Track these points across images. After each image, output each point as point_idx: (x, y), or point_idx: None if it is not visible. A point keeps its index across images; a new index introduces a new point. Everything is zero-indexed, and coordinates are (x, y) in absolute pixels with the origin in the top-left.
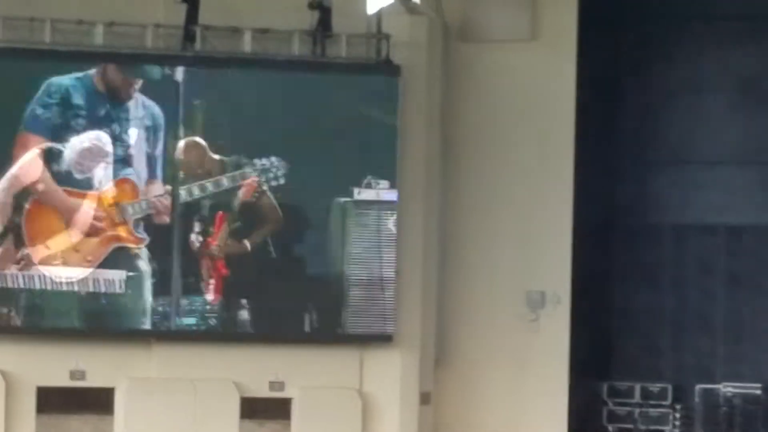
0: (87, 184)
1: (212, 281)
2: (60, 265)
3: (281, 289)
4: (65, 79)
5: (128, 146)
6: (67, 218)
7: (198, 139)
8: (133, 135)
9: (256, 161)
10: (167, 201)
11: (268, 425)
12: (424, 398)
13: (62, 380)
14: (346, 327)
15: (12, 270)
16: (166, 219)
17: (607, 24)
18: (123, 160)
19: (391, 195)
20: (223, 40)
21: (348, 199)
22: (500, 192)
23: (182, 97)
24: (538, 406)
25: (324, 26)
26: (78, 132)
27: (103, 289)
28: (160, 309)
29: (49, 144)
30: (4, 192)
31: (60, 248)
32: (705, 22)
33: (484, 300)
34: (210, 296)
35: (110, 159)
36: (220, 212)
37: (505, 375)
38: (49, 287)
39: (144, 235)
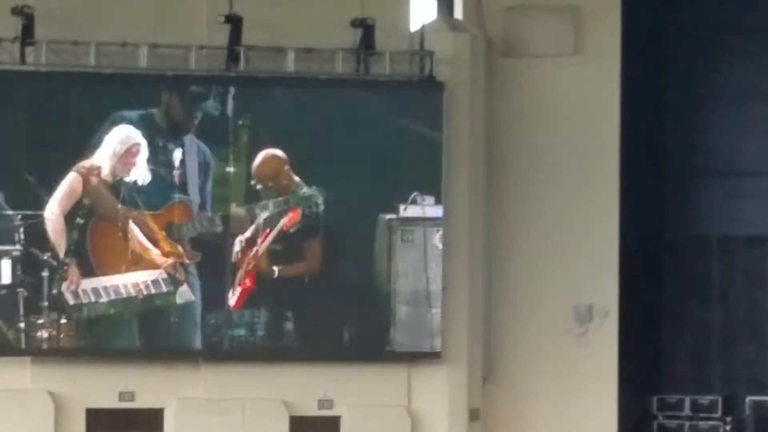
0: (146, 205)
1: (237, 290)
2: (118, 282)
3: (329, 306)
4: (132, 115)
5: (184, 174)
6: (125, 237)
7: (277, 152)
8: (190, 164)
9: (299, 191)
10: (217, 225)
11: None
12: (473, 415)
13: (111, 401)
14: (394, 344)
15: (70, 288)
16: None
17: (650, 36)
18: (178, 186)
19: (437, 211)
20: (266, 60)
21: (394, 216)
22: (546, 206)
23: (231, 122)
24: (588, 421)
25: (367, 44)
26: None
27: (156, 304)
28: (212, 323)
29: (110, 170)
30: (63, 211)
31: (119, 266)
32: (751, 31)
33: (532, 314)
34: (230, 303)
35: (166, 184)
36: (269, 230)
37: (554, 390)
38: (103, 304)
39: (196, 252)
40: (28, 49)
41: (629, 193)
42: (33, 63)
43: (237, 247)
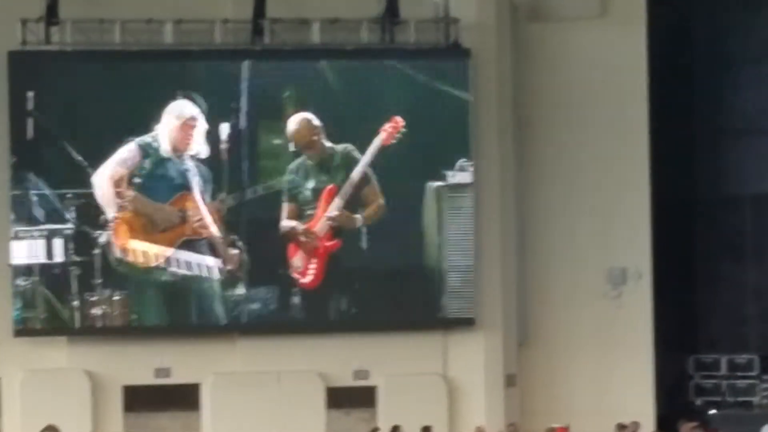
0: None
1: (314, 262)
2: (152, 255)
3: (365, 277)
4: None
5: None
6: (160, 215)
7: (310, 117)
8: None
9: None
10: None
11: (355, 414)
12: (509, 380)
13: (148, 378)
14: (429, 313)
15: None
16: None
17: None
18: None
19: (466, 177)
20: (291, 32)
21: (435, 183)
22: (576, 170)
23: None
24: (624, 383)
25: (392, 13)
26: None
27: (187, 279)
28: (244, 299)
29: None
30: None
31: (154, 241)
32: None
33: (565, 279)
34: (307, 279)
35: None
36: (330, 186)
37: (590, 353)
38: (145, 279)
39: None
40: (53, 29)
41: (659, 156)
42: (58, 42)
43: (293, 222)
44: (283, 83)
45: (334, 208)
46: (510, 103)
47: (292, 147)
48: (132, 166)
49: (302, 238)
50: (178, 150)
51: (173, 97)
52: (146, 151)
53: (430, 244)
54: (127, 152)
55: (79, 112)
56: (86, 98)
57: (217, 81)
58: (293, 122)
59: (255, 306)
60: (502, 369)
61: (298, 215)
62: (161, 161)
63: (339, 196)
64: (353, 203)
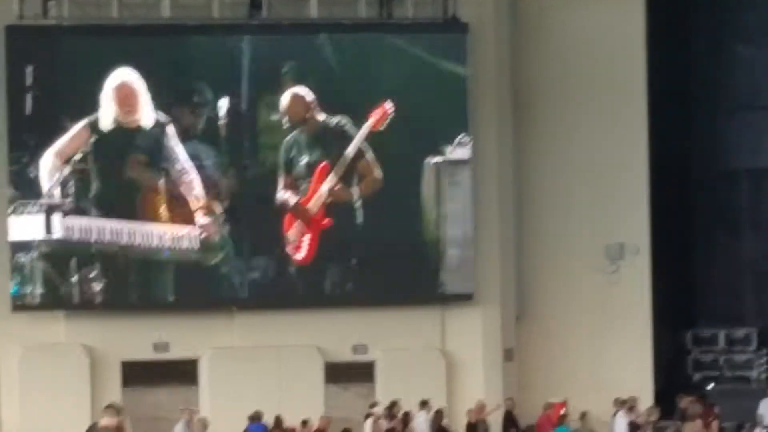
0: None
1: (307, 238)
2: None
3: (363, 252)
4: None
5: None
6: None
7: (303, 92)
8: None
9: (329, 121)
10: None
11: (353, 389)
12: (507, 355)
13: (146, 353)
14: (427, 287)
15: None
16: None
17: None
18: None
19: (465, 153)
20: (289, 6)
21: (433, 158)
22: (575, 145)
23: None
24: (623, 358)
25: None
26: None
27: (194, 254)
28: (244, 273)
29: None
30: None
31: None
32: None
33: (563, 254)
34: (300, 255)
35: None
36: (324, 164)
37: (588, 328)
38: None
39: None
40: (50, 3)
41: (657, 131)
42: (56, 17)
43: (288, 194)
44: (281, 58)
45: (328, 184)
46: (508, 78)
47: (286, 122)
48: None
49: (295, 210)
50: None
51: (171, 72)
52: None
53: (429, 219)
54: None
55: (77, 87)
56: (84, 73)
57: (215, 56)
58: (286, 98)
59: (252, 280)
60: (500, 343)
61: (294, 187)
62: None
63: (333, 172)
64: (348, 179)
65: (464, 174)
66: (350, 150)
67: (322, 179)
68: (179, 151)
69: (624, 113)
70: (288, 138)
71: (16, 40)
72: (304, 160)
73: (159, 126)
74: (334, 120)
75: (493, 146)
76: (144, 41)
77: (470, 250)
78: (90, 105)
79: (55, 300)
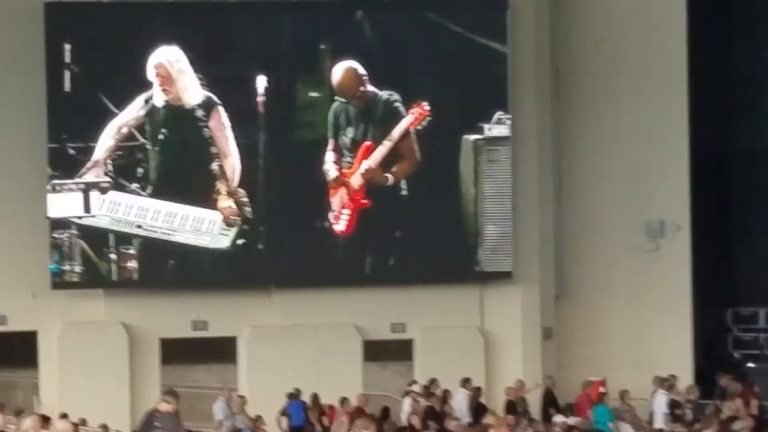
0: None
1: (347, 212)
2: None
3: (401, 230)
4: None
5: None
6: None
7: (356, 65)
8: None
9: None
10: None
11: (391, 367)
12: (546, 333)
13: (185, 331)
14: (466, 266)
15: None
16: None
17: None
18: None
19: (504, 130)
20: None
21: (472, 136)
22: (614, 122)
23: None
24: (662, 336)
25: None
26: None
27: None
28: (283, 251)
29: None
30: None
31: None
32: None
33: (603, 232)
34: (341, 227)
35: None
36: (368, 143)
37: (627, 306)
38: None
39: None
40: None
41: (697, 107)
42: None
43: (332, 169)
44: (320, 35)
45: (369, 164)
46: (547, 55)
47: (338, 97)
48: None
49: (337, 182)
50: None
51: (210, 50)
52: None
53: (467, 197)
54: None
55: (116, 64)
56: (122, 50)
57: (254, 34)
58: (339, 71)
59: (291, 259)
60: (539, 322)
61: (338, 159)
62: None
63: (377, 151)
64: (390, 161)
65: (502, 152)
66: (396, 133)
67: (364, 158)
68: (221, 129)
69: (664, 90)
70: (335, 105)
71: (55, 17)
72: (350, 133)
73: (204, 105)
74: (385, 94)
75: (533, 124)
76: (183, 19)
77: (509, 228)
78: (129, 83)
79: (94, 278)
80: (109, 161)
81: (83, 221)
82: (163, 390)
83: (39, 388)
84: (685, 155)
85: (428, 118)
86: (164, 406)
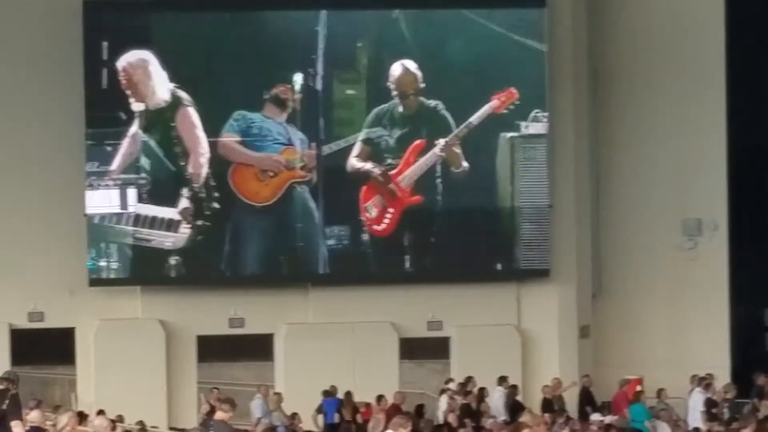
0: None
1: (391, 212)
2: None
3: (438, 228)
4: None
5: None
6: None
7: (411, 65)
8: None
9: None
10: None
11: (428, 365)
12: (583, 332)
13: (221, 328)
14: (503, 264)
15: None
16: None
17: None
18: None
19: (541, 128)
20: None
21: (509, 133)
22: (652, 119)
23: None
24: (699, 335)
25: None
26: None
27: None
28: (319, 250)
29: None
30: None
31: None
32: None
33: (640, 230)
34: (382, 227)
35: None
36: (418, 141)
37: (665, 305)
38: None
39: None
40: None
41: (736, 105)
42: None
43: (368, 164)
44: (356, 33)
45: (426, 161)
46: (585, 53)
47: (393, 92)
48: None
49: (378, 181)
50: None
51: (246, 48)
52: None
53: (504, 195)
54: None
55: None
56: (159, 48)
57: (290, 31)
58: (398, 68)
59: (328, 257)
60: (576, 320)
61: (372, 158)
62: None
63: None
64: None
65: (540, 149)
66: (474, 120)
67: (414, 156)
68: (262, 126)
69: (702, 87)
70: (382, 107)
71: (93, 15)
72: (396, 134)
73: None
74: (432, 102)
75: (570, 121)
76: (219, 16)
77: (546, 226)
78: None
79: (131, 275)
80: (145, 158)
81: (120, 218)
82: (217, 396)
83: (76, 385)
84: (722, 154)
85: (516, 102)
86: (220, 415)
